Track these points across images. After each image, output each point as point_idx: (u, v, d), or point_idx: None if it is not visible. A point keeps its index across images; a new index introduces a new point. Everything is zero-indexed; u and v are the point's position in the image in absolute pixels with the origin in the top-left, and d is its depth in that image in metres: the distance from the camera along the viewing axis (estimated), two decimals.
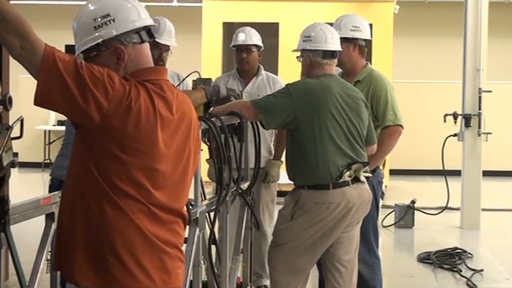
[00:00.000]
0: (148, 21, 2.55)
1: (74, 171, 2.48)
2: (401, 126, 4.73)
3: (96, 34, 2.46)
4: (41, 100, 2.32)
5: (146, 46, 2.55)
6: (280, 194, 5.55)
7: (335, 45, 4.24)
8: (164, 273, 2.49)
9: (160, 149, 2.45)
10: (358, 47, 4.78)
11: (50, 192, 3.81)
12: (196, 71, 4.46)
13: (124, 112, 2.37)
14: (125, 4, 2.52)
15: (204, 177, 4.15)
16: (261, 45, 5.58)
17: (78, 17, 2.52)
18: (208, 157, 4.22)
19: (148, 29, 2.55)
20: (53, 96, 2.32)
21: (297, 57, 4.32)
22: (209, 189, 5.58)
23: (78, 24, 2.51)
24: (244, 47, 5.50)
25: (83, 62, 2.40)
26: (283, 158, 5.27)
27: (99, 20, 2.47)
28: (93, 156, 2.40)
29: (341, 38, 4.65)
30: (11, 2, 2.43)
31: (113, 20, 2.47)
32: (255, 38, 5.52)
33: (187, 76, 4.67)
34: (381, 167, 4.87)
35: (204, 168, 3.86)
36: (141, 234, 2.43)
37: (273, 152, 5.52)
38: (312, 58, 4.21)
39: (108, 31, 2.46)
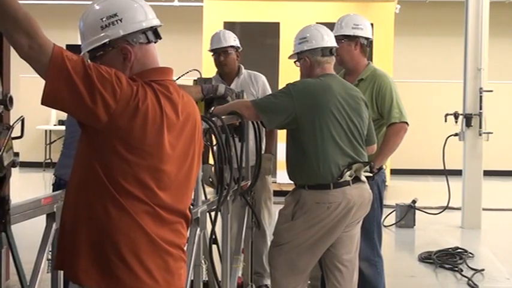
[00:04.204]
0: (155, 22, 2.55)
1: (78, 171, 2.47)
2: (406, 123, 4.73)
3: (103, 34, 2.46)
4: (49, 100, 2.31)
5: (152, 46, 2.55)
6: (281, 193, 5.53)
7: (331, 41, 4.24)
8: (167, 273, 2.49)
9: (166, 150, 2.45)
10: (359, 45, 4.78)
11: (53, 190, 3.83)
12: (196, 70, 4.46)
13: (131, 113, 2.37)
14: (131, 4, 2.51)
15: None
16: (238, 45, 5.50)
17: (85, 16, 2.52)
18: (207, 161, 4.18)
19: (154, 29, 2.55)
20: (61, 96, 2.30)
21: (295, 61, 4.31)
22: (209, 189, 5.57)
23: (85, 24, 2.50)
24: (221, 50, 5.44)
25: (90, 62, 2.39)
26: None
27: (105, 19, 2.46)
28: (98, 156, 2.39)
29: (342, 36, 4.67)
30: None
31: (120, 20, 2.46)
32: (230, 39, 5.46)
33: (185, 73, 4.66)
34: (384, 166, 4.86)
35: None
36: (145, 235, 2.42)
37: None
38: (311, 58, 4.20)
39: (115, 31, 2.46)
